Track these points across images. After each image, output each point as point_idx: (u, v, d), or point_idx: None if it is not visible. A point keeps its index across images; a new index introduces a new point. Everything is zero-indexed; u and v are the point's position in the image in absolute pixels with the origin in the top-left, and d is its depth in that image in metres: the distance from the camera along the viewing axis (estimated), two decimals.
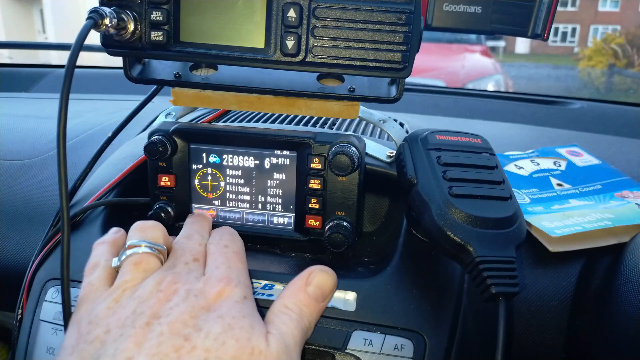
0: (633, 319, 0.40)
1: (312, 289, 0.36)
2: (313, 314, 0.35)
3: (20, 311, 0.44)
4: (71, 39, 0.38)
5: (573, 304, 0.47)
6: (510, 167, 0.61)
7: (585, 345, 0.46)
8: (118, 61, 0.44)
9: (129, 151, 0.56)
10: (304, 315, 0.34)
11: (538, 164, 0.62)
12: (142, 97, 0.55)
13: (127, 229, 0.49)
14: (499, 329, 0.34)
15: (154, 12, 0.40)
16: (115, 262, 0.36)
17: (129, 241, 0.36)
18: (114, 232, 0.40)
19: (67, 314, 0.35)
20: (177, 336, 0.29)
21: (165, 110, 0.53)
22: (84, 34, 0.36)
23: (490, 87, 3.35)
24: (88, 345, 0.30)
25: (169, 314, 0.30)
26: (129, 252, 0.35)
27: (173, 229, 0.47)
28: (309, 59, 0.40)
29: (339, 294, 0.40)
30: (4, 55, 1.59)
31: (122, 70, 0.44)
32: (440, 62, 3.14)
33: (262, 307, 0.35)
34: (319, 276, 0.36)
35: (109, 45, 0.41)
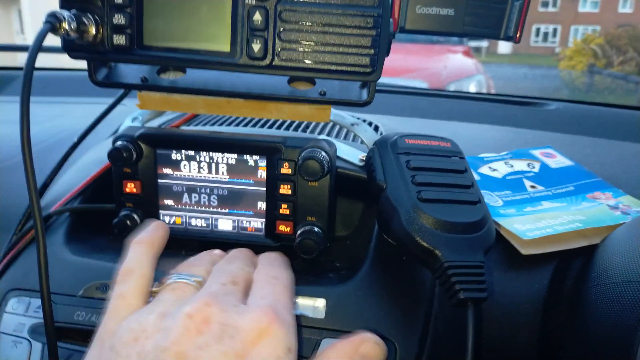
0: (602, 321, 0.40)
1: (359, 359, 0.30)
2: None
3: None
4: (51, 40, 0.37)
5: (545, 306, 0.47)
6: (484, 170, 0.61)
7: (557, 347, 0.46)
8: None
9: (95, 156, 0.54)
10: None
11: (512, 166, 0.62)
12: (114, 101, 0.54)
13: (93, 236, 0.49)
14: (468, 334, 0.33)
15: (115, 16, 0.39)
16: (154, 286, 0.32)
17: (171, 275, 0.32)
18: (154, 228, 0.35)
19: (50, 329, 0.32)
20: None
21: (131, 115, 0.52)
22: (40, 40, 0.35)
23: (472, 87, 3.38)
24: None
25: (197, 356, 0.25)
26: (167, 282, 0.31)
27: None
28: (276, 62, 0.39)
29: (307, 301, 0.39)
30: None
31: None
32: (422, 63, 3.16)
33: None
34: (370, 348, 0.31)
35: (71, 49, 0.40)
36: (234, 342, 0.26)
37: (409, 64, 2.97)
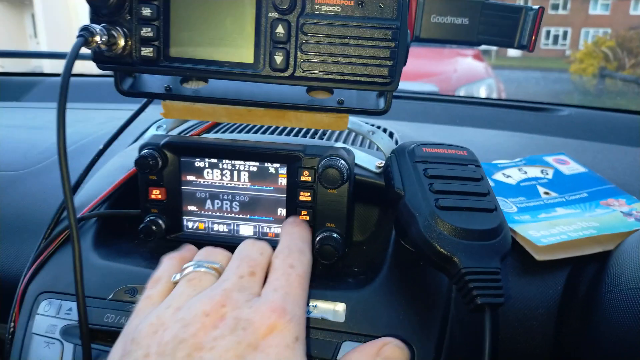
0: (617, 327, 0.41)
1: None
2: None
3: (12, 324, 0.45)
4: (63, 44, 0.38)
5: (559, 312, 0.48)
6: (498, 176, 0.62)
7: (572, 353, 0.47)
8: None
9: (120, 163, 0.56)
10: None
11: (525, 173, 0.63)
12: (133, 106, 0.56)
13: (118, 240, 0.50)
14: (485, 339, 0.34)
15: (144, 29, 0.40)
16: (175, 276, 0.34)
17: (192, 262, 0.35)
18: (186, 249, 0.38)
19: (85, 332, 0.34)
20: None
21: (156, 123, 0.54)
22: (74, 53, 0.36)
23: (482, 91, 3.37)
24: None
25: (212, 346, 0.28)
26: (186, 270, 0.34)
27: (164, 241, 0.48)
28: (298, 73, 0.40)
29: (328, 305, 0.40)
30: None
31: (112, 78, 0.44)
32: (433, 67, 3.15)
33: None
34: (392, 350, 0.32)
35: (100, 61, 0.42)
36: (246, 333, 0.28)
37: (420, 68, 2.97)
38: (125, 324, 0.32)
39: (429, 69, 3.04)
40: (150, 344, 0.28)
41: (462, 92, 3.20)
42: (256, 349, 0.28)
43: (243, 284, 0.32)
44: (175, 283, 0.34)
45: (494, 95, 3.41)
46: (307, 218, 0.46)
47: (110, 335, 0.41)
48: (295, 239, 0.37)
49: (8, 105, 1.03)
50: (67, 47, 0.42)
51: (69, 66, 0.36)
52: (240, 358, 0.27)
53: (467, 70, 3.48)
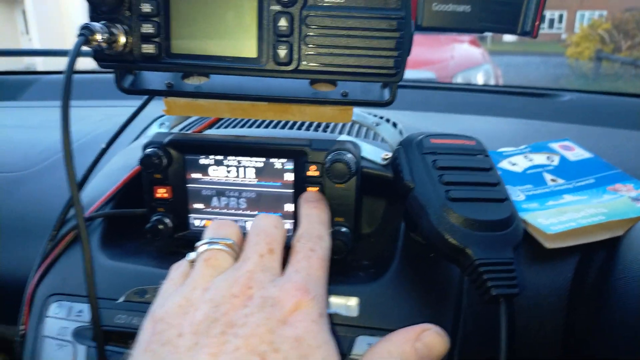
0: (628, 314, 0.41)
1: (421, 346, 0.32)
2: None
3: (23, 327, 0.44)
4: (56, 40, 0.38)
5: (570, 300, 0.48)
6: (504, 164, 0.61)
7: (583, 341, 0.47)
8: None
9: (123, 161, 0.55)
10: None
11: (531, 160, 0.62)
12: (132, 103, 0.55)
13: (125, 240, 0.50)
14: (501, 330, 0.34)
15: (144, 25, 0.39)
16: (190, 255, 0.35)
17: (203, 239, 0.36)
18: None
19: (99, 334, 0.34)
20: (254, 354, 0.28)
21: (158, 120, 0.53)
22: (75, 53, 0.36)
23: (480, 77, 3.36)
24: (161, 347, 0.29)
25: (244, 322, 0.29)
26: (200, 249, 0.35)
27: (171, 240, 0.47)
28: (302, 67, 0.40)
29: (341, 300, 0.40)
30: None
31: (110, 75, 0.44)
32: (429, 54, 3.14)
33: None
34: (432, 337, 0.33)
35: (101, 59, 0.41)
36: (274, 310, 0.30)
37: (416, 55, 2.95)
38: (151, 305, 0.33)
39: (426, 56, 3.03)
40: (183, 324, 0.30)
41: (459, 79, 3.19)
42: (285, 324, 0.29)
43: (264, 263, 0.33)
44: (192, 262, 0.35)
45: (492, 81, 3.40)
46: None
47: (123, 336, 0.41)
48: (314, 222, 0.39)
49: (4, 105, 1.02)
50: (59, 43, 0.41)
51: (71, 67, 0.35)
52: (271, 332, 0.29)
53: (464, 57, 3.47)
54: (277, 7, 0.39)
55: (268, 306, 0.30)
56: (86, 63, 0.42)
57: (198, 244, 0.35)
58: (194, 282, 0.32)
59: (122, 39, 0.40)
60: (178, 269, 0.36)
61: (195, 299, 0.31)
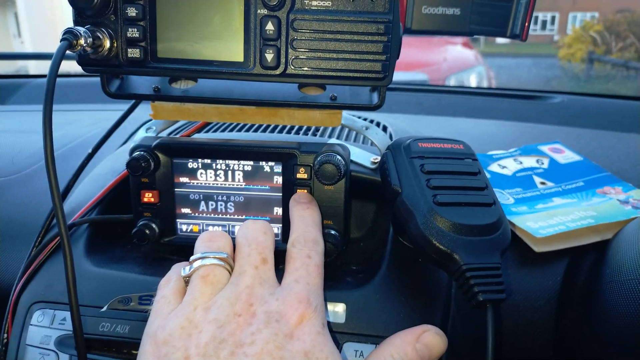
0: (617, 317, 0.41)
1: (421, 347, 0.33)
2: None
3: (5, 335, 0.44)
4: (49, 43, 0.37)
5: (559, 303, 0.48)
6: (494, 167, 0.61)
7: (573, 343, 0.47)
8: None
9: (110, 166, 0.55)
10: None
11: (521, 163, 0.62)
12: (121, 107, 0.54)
13: (111, 246, 0.49)
14: (488, 335, 0.34)
15: (129, 29, 0.39)
16: (184, 271, 0.35)
17: (196, 254, 0.35)
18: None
19: (80, 343, 0.33)
20: None
21: (145, 125, 0.52)
22: (59, 58, 0.35)
23: (473, 79, 3.37)
24: None
25: (252, 340, 0.29)
26: (195, 264, 0.34)
27: (158, 245, 0.47)
28: (289, 71, 0.39)
29: (328, 306, 0.40)
30: None
31: (99, 79, 0.43)
32: (422, 56, 3.14)
33: None
34: (431, 337, 0.34)
35: (86, 63, 0.40)
36: (280, 325, 0.30)
37: (409, 57, 2.96)
38: (146, 326, 0.32)
39: (419, 58, 3.03)
40: (188, 346, 0.29)
41: (452, 81, 3.20)
42: (292, 338, 0.30)
43: (261, 275, 0.33)
44: (186, 278, 0.34)
45: (485, 83, 3.41)
46: None
47: (106, 345, 0.40)
48: (308, 225, 0.39)
49: None
50: (52, 46, 0.41)
51: (54, 72, 0.35)
52: (281, 348, 0.29)
53: (457, 59, 3.47)
54: (264, 11, 0.39)
55: (273, 321, 0.30)
56: (76, 66, 0.42)
57: (192, 258, 0.35)
58: (194, 301, 0.32)
59: (107, 43, 0.39)
60: (168, 284, 0.35)
61: (198, 320, 0.31)
